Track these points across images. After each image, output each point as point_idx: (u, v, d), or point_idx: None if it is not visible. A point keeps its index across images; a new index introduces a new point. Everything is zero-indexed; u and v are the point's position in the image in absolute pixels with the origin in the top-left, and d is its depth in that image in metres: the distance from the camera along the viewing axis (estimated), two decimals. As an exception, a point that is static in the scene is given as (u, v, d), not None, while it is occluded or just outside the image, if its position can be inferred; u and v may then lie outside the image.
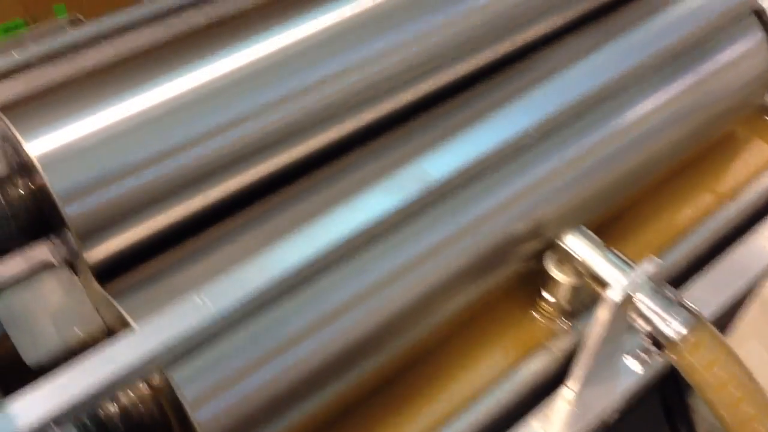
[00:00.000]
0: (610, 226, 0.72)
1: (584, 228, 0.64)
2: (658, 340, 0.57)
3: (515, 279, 0.66)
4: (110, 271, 0.56)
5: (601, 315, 0.57)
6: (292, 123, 0.61)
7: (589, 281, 0.61)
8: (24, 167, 0.55)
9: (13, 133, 0.54)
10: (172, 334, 0.47)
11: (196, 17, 0.71)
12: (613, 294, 0.57)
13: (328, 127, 0.63)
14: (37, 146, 0.53)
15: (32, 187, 0.55)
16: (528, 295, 0.68)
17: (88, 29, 0.67)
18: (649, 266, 0.59)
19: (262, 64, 0.61)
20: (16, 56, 0.64)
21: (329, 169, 0.62)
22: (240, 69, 0.61)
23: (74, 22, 0.83)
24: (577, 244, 0.62)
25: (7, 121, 0.54)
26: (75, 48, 0.66)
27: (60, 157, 0.54)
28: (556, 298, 0.66)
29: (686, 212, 0.77)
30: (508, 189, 0.63)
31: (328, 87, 0.63)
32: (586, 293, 0.65)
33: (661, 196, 0.77)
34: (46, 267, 0.58)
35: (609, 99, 0.68)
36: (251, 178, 0.60)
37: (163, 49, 0.62)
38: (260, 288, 0.50)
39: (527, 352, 0.65)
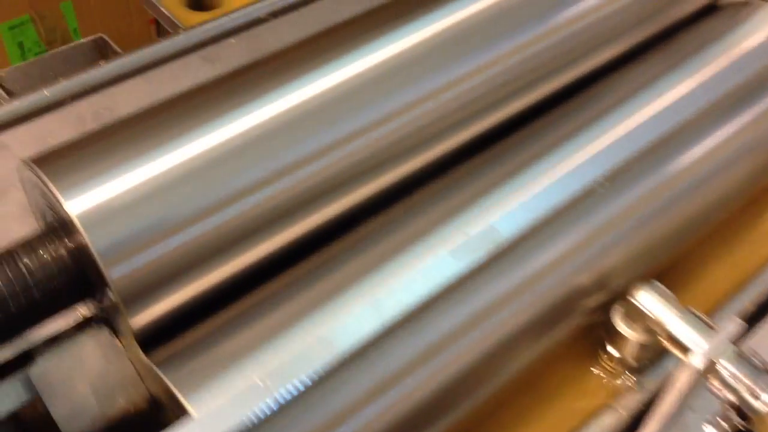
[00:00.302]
0: (669, 270, 0.68)
1: (657, 283, 0.60)
2: (742, 410, 0.53)
3: (577, 331, 0.62)
4: (155, 336, 0.52)
5: (679, 381, 0.54)
6: (345, 169, 0.57)
7: (665, 343, 0.57)
8: (62, 226, 0.51)
9: (50, 190, 0.49)
10: (233, 422, 0.43)
11: (234, 49, 0.66)
12: (695, 360, 0.53)
13: (385, 171, 0.59)
14: (77, 204, 0.49)
15: (71, 246, 0.51)
16: (589, 348, 0.64)
17: (122, 62, 0.62)
18: (731, 328, 0.55)
19: (313, 105, 0.57)
20: (47, 93, 0.59)
21: (386, 218, 0.58)
22: (289, 112, 0.56)
23: (99, 46, 0.79)
24: (650, 301, 0.58)
25: (44, 177, 0.50)
26: (109, 83, 0.61)
27: (102, 216, 0.49)
28: (621, 354, 0.62)
29: (751, 254, 0.73)
30: (573, 238, 0.59)
31: (381, 129, 0.59)
32: (653, 348, 0.61)
33: (723, 236, 0.73)
34: (83, 326, 0.54)
35: (677, 139, 0.64)
36: (304, 229, 0.56)
37: (203, 92, 0.57)
38: (325, 367, 0.46)
39: (591, 411, 0.61)
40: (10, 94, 0.75)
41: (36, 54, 1.92)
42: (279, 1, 0.69)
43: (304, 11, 0.72)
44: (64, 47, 0.77)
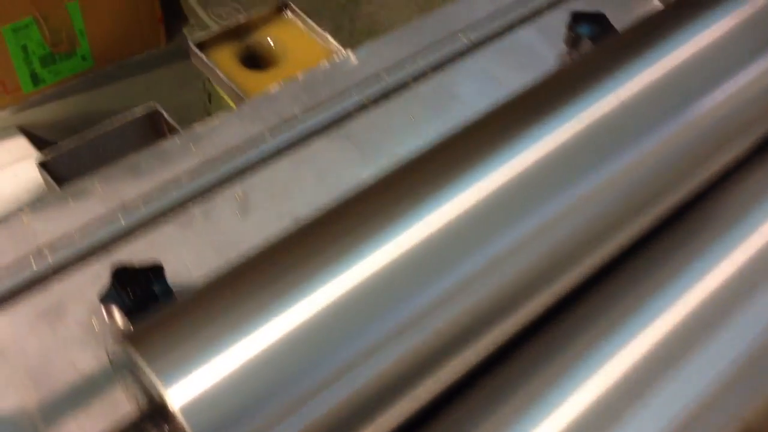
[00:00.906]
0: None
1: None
2: None
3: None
4: None
5: None
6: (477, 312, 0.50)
7: None
8: (158, 411, 0.43)
9: (146, 374, 0.42)
10: None
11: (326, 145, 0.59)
12: None
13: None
14: (181, 394, 0.42)
15: (169, 437, 0.43)
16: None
17: (206, 178, 0.54)
18: None
19: (421, 254, 0.49)
20: (123, 222, 0.51)
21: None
22: (399, 263, 0.48)
23: (152, 120, 0.70)
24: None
25: (140, 360, 0.42)
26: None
27: (208, 404, 0.42)
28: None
29: None
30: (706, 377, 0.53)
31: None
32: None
33: None
34: None
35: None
36: (420, 402, 0.49)
37: (299, 241, 0.49)
38: None
39: None
40: (60, 181, 0.66)
41: (39, 57, 1.82)
42: (369, 90, 0.61)
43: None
44: (115, 124, 0.69)
